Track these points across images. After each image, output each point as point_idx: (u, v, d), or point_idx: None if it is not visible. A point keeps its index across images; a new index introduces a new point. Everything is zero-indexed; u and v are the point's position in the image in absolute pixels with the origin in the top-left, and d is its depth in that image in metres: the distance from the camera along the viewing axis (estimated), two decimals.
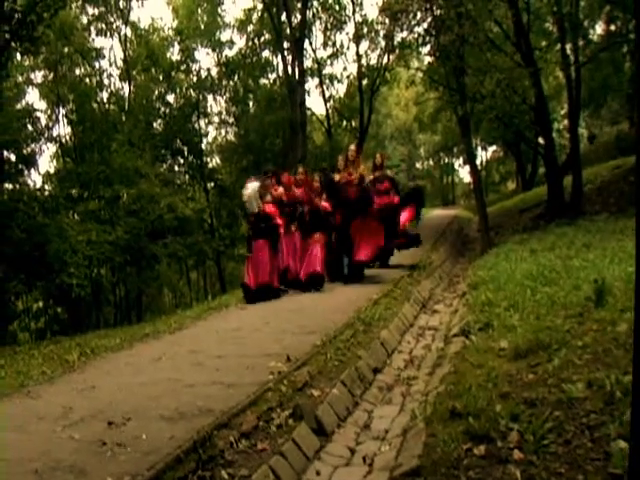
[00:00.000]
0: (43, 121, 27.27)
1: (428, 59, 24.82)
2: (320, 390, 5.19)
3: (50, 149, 32.25)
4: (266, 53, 31.98)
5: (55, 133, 28.33)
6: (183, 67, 30.93)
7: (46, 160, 39.24)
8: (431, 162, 58.80)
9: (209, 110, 33.11)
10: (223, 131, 34.80)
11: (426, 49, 20.24)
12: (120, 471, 3.54)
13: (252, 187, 11.03)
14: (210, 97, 32.60)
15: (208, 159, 33.06)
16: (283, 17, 27.06)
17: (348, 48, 31.63)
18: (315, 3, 29.07)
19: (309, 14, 28.04)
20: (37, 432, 4.34)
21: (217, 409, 4.45)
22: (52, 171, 28.06)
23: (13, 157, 21.80)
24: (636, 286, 2.39)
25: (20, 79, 28.76)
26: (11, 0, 17.07)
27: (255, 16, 31.08)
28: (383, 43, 26.18)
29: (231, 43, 32.46)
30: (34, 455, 3.86)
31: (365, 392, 5.75)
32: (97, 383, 5.58)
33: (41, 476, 3.57)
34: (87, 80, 29.74)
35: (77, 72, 29.62)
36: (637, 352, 2.38)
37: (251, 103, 32.43)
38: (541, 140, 20.21)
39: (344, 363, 5.97)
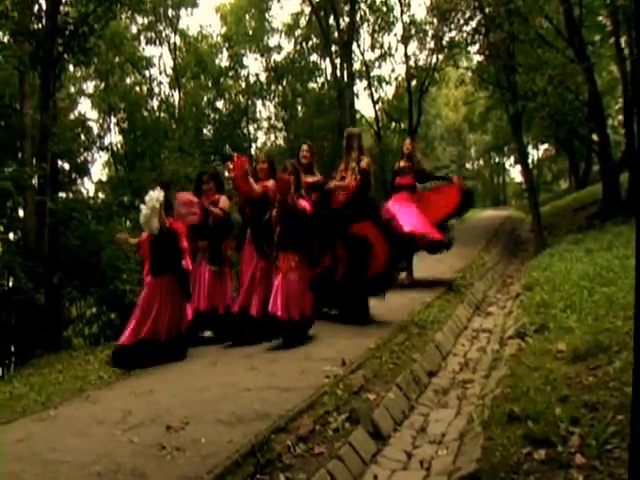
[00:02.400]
0: (95, 130, 27.88)
1: (477, 58, 24.64)
2: (376, 394, 5.18)
3: (102, 157, 32.90)
4: (314, 57, 32.15)
5: (107, 142, 28.92)
6: (232, 73, 31.28)
7: (98, 168, 39.90)
8: (481, 162, 58.18)
9: (258, 115, 33.44)
10: (272, 136, 35.08)
11: (475, 48, 20.10)
12: (180, 474, 3.58)
13: (154, 198, 7.27)
14: (259, 102, 32.93)
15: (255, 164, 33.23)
16: (331, 20, 27.12)
17: (396, 49, 31.61)
18: (363, 5, 29.04)
19: (357, 16, 28.01)
20: (97, 436, 4.42)
21: (274, 413, 4.48)
22: (104, 179, 28.60)
23: (67, 166, 22.29)
24: (636, 286, 2.40)
25: (72, 90, 29.44)
26: (64, 13, 17.47)
27: (303, 20, 31.23)
28: (432, 43, 26.07)
29: (279, 48, 32.77)
30: (95, 458, 3.93)
31: (420, 395, 5.72)
32: (154, 388, 5.66)
33: (103, 479, 3.64)
34: (137, 89, 30.32)
35: (128, 81, 30.23)
36: (637, 352, 2.39)
37: (300, 107, 32.59)
38: (595, 137, 19.82)
39: (399, 366, 5.95)
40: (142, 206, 7.41)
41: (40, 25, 17.56)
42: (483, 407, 4.72)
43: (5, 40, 18.36)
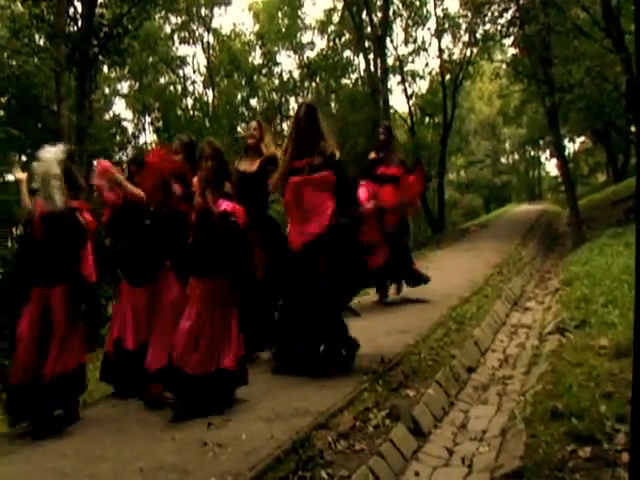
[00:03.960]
0: (130, 130, 28.21)
1: (512, 50, 24.34)
2: (415, 390, 5.16)
3: None
4: (347, 53, 32.07)
5: (141, 141, 29.22)
6: (265, 71, 31.36)
7: None
8: (516, 156, 57.55)
9: (291, 112, 33.39)
10: None
11: (510, 40, 19.86)
12: (222, 471, 3.59)
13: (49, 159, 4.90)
14: (292, 99, 32.95)
15: None
16: (364, 15, 27.03)
17: (430, 44, 31.37)
18: (396, 0, 28.90)
19: (390, 11, 27.86)
20: (138, 433, 4.46)
21: (314, 410, 4.48)
22: None
23: None
24: (636, 287, 2.40)
25: (107, 90, 29.83)
26: (99, 15, 17.69)
27: (335, 16, 31.18)
28: (465, 36, 25.88)
29: (312, 44, 32.75)
30: (137, 455, 3.98)
31: (460, 392, 5.69)
32: None
33: (145, 475, 3.67)
34: (171, 88, 30.61)
35: (162, 81, 30.53)
36: (637, 352, 2.39)
37: (333, 104, 32.54)
38: (634, 128, 19.47)
39: (438, 362, 5.92)
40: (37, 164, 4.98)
41: (76, 27, 17.81)
42: (525, 403, 4.68)
43: (42, 43, 18.65)
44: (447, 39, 29.65)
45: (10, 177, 14.37)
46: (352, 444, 4.11)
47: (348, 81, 32.92)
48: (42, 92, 18.86)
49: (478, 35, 21.27)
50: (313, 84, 31.89)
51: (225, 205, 4.98)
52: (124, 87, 32.03)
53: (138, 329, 5.53)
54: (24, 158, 19.50)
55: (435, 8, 29.44)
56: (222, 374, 4.80)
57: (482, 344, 7.16)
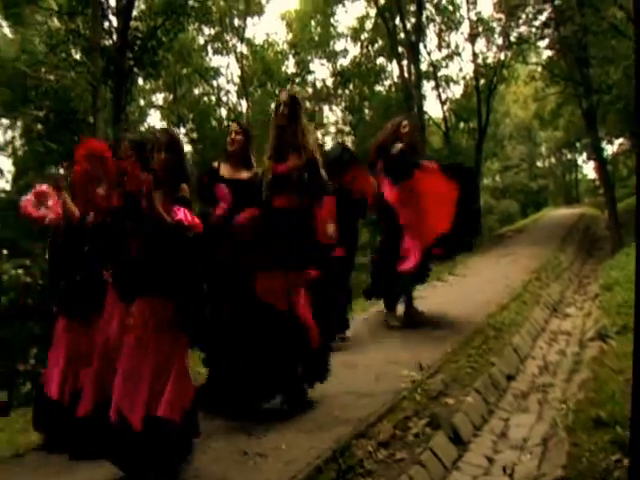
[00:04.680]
0: None
1: (547, 52, 24.14)
2: (454, 398, 5.13)
3: None
4: (380, 60, 32.01)
5: None
6: (298, 79, 31.41)
7: None
8: (553, 159, 56.87)
9: (325, 120, 33.51)
10: (340, 140, 35.04)
11: (545, 42, 19.72)
12: None
13: None
14: (326, 107, 33.02)
15: None
16: (397, 21, 26.99)
17: (463, 48, 31.16)
18: (428, 5, 28.79)
19: (423, 17, 27.77)
20: None
21: (353, 418, 4.48)
22: None
23: None
24: (636, 287, 2.46)
25: (142, 102, 30.16)
26: (134, 28, 17.94)
27: (368, 23, 31.16)
28: (499, 40, 25.72)
29: (345, 52, 32.73)
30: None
31: (500, 400, 5.64)
32: None
33: None
34: (205, 99, 30.81)
35: (196, 92, 30.73)
36: (637, 352, 2.41)
37: (367, 110, 32.51)
38: None
39: (477, 370, 5.87)
40: None
41: (111, 41, 18.05)
42: (567, 412, 4.62)
43: (78, 57, 18.96)
44: (481, 43, 29.31)
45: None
46: (392, 453, 4.09)
47: (381, 88, 32.85)
48: (79, 105, 19.16)
49: (512, 38, 21.13)
50: (346, 91, 31.89)
51: (181, 214, 3.91)
52: (159, 99, 32.41)
53: (68, 373, 4.73)
54: (62, 171, 19.83)
55: (468, 12, 29.22)
56: (155, 423, 3.73)
57: (521, 351, 7.09)
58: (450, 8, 29.53)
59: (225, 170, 5.49)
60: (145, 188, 3.83)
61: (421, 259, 7.24)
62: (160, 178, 4.00)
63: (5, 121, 23.86)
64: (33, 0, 17.08)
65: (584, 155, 48.63)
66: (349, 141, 33.86)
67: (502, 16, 20.32)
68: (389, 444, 4.20)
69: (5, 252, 14.75)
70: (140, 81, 24.75)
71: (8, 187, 21.69)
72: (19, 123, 22.89)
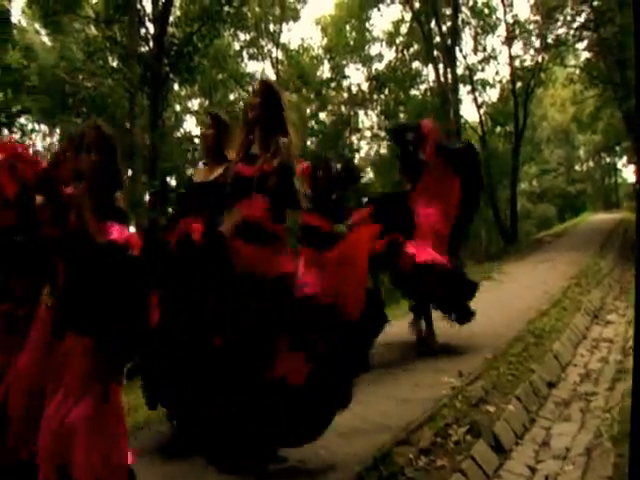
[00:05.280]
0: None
1: (586, 54, 23.87)
2: (495, 406, 5.05)
3: None
4: (416, 64, 31.93)
5: None
6: (333, 84, 31.45)
7: None
8: (591, 163, 56.12)
9: (360, 125, 33.49)
10: (375, 145, 35.04)
11: (584, 44, 19.49)
12: None
13: None
14: (361, 112, 32.97)
15: (361, 174, 33.30)
16: (432, 25, 26.91)
17: (500, 51, 30.96)
18: (464, 8, 28.62)
19: (459, 20, 27.63)
20: None
21: (394, 425, 4.44)
22: None
23: (174, 182, 23.15)
24: (636, 287, 2.43)
25: (178, 108, 30.43)
26: (170, 35, 18.12)
27: (404, 27, 31.12)
28: (537, 42, 25.48)
29: (380, 57, 32.75)
30: (213, 471, 3.99)
31: (541, 408, 5.54)
32: None
33: None
34: (241, 104, 30.92)
35: (231, 97, 30.89)
36: (637, 352, 2.38)
37: (402, 115, 32.41)
38: None
39: (517, 377, 5.78)
40: None
41: (147, 48, 18.24)
42: (612, 421, 4.53)
43: (115, 64, 19.21)
44: (518, 46, 29.04)
45: None
46: (433, 460, 4.04)
47: (417, 92, 32.77)
48: (116, 112, 19.39)
49: (550, 40, 20.89)
50: (382, 96, 31.83)
51: (116, 232, 3.22)
52: (194, 104, 32.67)
53: None
54: None
55: (505, 15, 28.97)
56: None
57: (562, 358, 6.97)
58: (486, 11, 29.34)
59: (199, 173, 4.83)
60: (75, 199, 3.18)
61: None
62: (89, 185, 3.28)
63: (44, 127, 24.25)
64: (71, 8, 17.36)
65: (624, 159, 47.94)
66: (384, 147, 33.79)
67: (539, 18, 20.13)
68: (430, 451, 4.14)
69: None
70: (176, 87, 25.00)
71: None
72: (57, 129, 23.23)
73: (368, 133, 33.84)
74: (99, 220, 3.23)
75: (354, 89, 31.86)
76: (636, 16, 2.61)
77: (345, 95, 31.73)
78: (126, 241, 3.20)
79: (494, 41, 42.24)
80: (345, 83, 32.00)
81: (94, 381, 3.11)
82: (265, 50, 31.17)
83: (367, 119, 34.23)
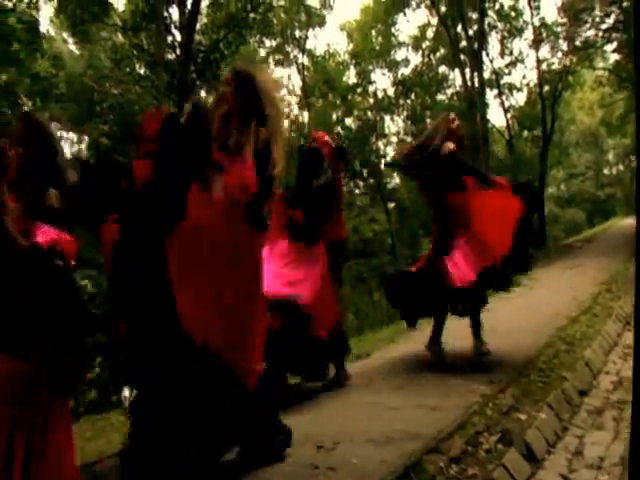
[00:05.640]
0: None
1: (615, 57, 23.58)
2: (526, 414, 4.98)
3: None
4: (442, 68, 31.86)
5: None
6: (360, 89, 31.46)
7: None
8: (621, 167, 55.48)
9: (387, 130, 33.44)
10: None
11: (612, 46, 19.27)
12: None
13: None
14: (387, 117, 32.95)
15: (387, 179, 33.29)
16: (458, 29, 26.82)
17: (527, 55, 30.80)
18: (490, 12, 28.47)
19: (485, 24, 27.50)
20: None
21: (424, 433, 4.38)
22: None
23: None
24: (636, 288, 2.41)
25: None
26: (197, 42, 18.24)
27: (430, 32, 31.08)
28: (564, 45, 25.28)
29: (406, 61, 32.70)
30: (246, 476, 3.98)
31: (573, 416, 5.45)
32: (298, 407, 5.68)
33: None
34: None
35: None
36: (637, 353, 2.38)
37: (429, 120, 32.32)
38: None
39: (548, 385, 5.70)
40: None
41: (174, 55, 18.36)
42: None
43: (142, 72, 19.36)
44: (545, 49, 28.83)
45: None
46: (464, 469, 3.98)
47: (444, 97, 32.66)
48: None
49: (578, 43, 20.68)
50: (408, 101, 31.78)
51: (43, 234, 2.83)
52: None
53: None
54: None
55: (531, 18, 28.76)
56: None
57: (594, 366, 6.86)
58: (512, 14, 29.18)
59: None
60: None
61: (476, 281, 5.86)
62: (16, 181, 2.88)
63: (72, 135, 24.48)
64: (99, 17, 17.55)
65: None
66: None
67: (567, 21, 19.95)
68: (461, 460, 4.08)
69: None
70: (202, 94, 25.16)
71: None
72: (86, 137, 23.44)
73: (394, 138, 33.79)
74: (28, 220, 2.85)
75: (380, 94, 31.89)
76: (636, 16, 2.58)
77: (371, 100, 31.72)
78: (53, 245, 2.74)
79: (521, 44, 41.97)
80: (371, 88, 32.04)
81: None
82: (291, 56, 31.34)
83: (393, 124, 34.25)
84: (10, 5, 14.57)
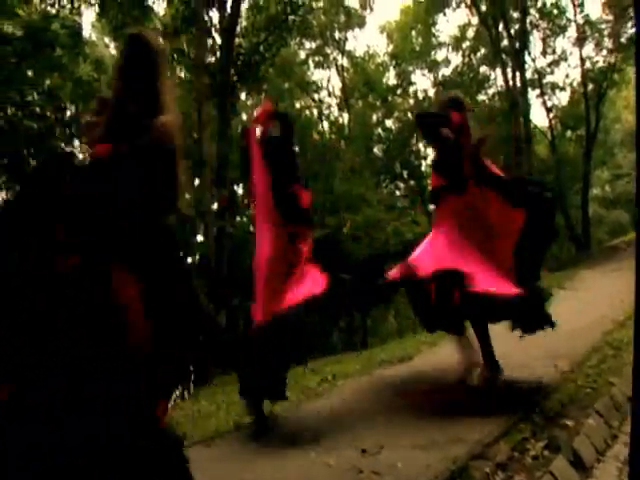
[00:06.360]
0: None
1: None
2: (574, 420, 4.86)
3: None
4: (483, 68, 31.55)
5: None
6: (400, 91, 31.35)
7: None
8: None
9: None
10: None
11: None
12: None
13: None
14: None
15: (428, 181, 33.04)
16: (500, 28, 26.54)
17: (570, 53, 30.24)
18: (532, 10, 28.09)
19: (527, 22, 27.14)
20: (292, 458, 4.45)
21: (469, 438, 4.31)
22: None
23: (240, 191, 23.45)
24: (636, 289, 2.43)
25: (245, 117, 30.82)
26: (237, 45, 18.36)
27: (470, 31, 30.84)
28: (609, 43, 24.81)
29: (447, 62, 32.49)
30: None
31: (623, 423, 5.31)
32: (341, 410, 5.66)
33: None
34: (307, 112, 31.12)
35: (297, 105, 31.10)
36: (637, 353, 2.37)
37: (471, 123, 32.04)
38: None
39: (596, 391, 5.56)
40: None
41: (214, 58, 18.49)
42: None
43: (183, 75, 19.54)
44: (589, 47, 28.32)
45: None
46: (511, 476, 3.89)
47: (484, 97, 32.35)
48: (185, 122, 19.71)
49: (623, 40, 20.25)
50: None
51: None
52: None
53: None
54: None
55: (575, 15, 28.29)
56: None
57: None
58: (555, 12, 28.69)
59: None
60: None
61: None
62: None
63: None
64: (140, 21, 17.74)
65: None
66: None
67: (612, 17, 19.58)
68: (507, 466, 4.00)
69: None
70: (242, 96, 25.31)
71: None
72: None
73: None
74: None
75: (420, 95, 31.71)
76: (637, 16, 2.52)
77: (411, 101, 31.58)
78: None
79: (564, 43, 41.18)
80: (411, 89, 31.88)
81: None
82: (331, 58, 31.33)
83: None
84: (53, 11, 14.83)
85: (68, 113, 16.76)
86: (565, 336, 7.62)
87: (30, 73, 13.34)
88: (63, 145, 15.28)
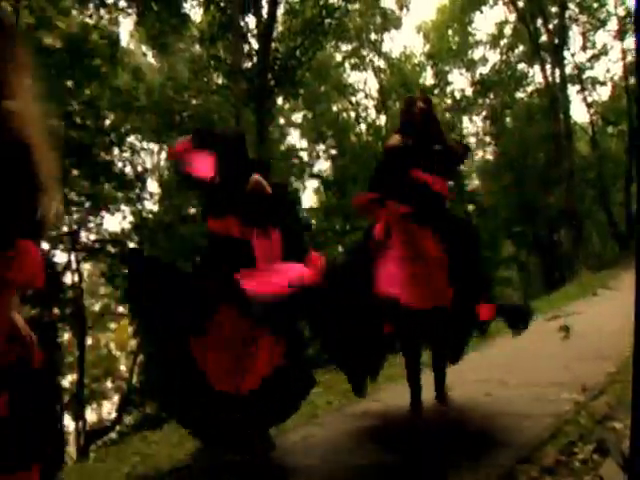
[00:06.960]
0: (305, 158, 29.06)
1: None
2: (622, 423, 4.76)
3: (312, 184, 33.49)
4: (521, 65, 31.19)
5: (316, 169, 29.96)
6: (437, 90, 31.16)
7: (309, 195, 39.69)
8: None
9: (465, 131, 32.98)
10: (480, 151, 34.43)
11: None
12: None
13: None
14: (465, 118, 32.51)
15: (467, 181, 32.81)
16: (538, 24, 26.23)
17: (611, 47, 29.70)
18: (571, 5, 27.68)
19: (566, 17, 26.76)
20: (335, 461, 4.43)
21: (515, 442, 4.25)
22: (315, 206, 29.49)
23: None
24: (636, 289, 2.45)
25: (282, 121, 30.90)
26: (274, 50, 18.43)
27: (508, 29, 30.54)
28: None
29: (484, 60, 32.21)
30: None
31: None
32: (380, 413, 5.61)
33: None
34: (344, 115, 31.09)
35: (334, 108, 31.10)
36: (637, 353, 2.36)
37: (508, 119, 31.72)
38: None
39: None
40: None
41: (251, 63, 18.56)
42: None
43: (220, 81, 19.66)
44: (630, 40, 27.74)
45: None
46: None
47: (523, 94, 31.97)
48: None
49: None
50: (486, 100, 31.27)
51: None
52: (297, 117, 33.09)
53: None
54: None
55: (615, 8, 27.75)
56: None
57: None
58: (595, 5, 28.21)
59: None
60: None
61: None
62: None
63: (153, 146, 25.09)
64: (177, 29, 17.93)
65: None
66: (489, 152, 33.07)
67: None
68: (554, 470, 3.93)
69: None
70: (279, 101, 25.39)
71: (156, 209, 22.72)
72: (165, 147, 23.98)
73: (473, 139, 33.29)
74: None
75: (458, 95, 31.49)
76: (637, 16, 2.50)
77: (449, 101, 31.37)
78: None
79: (605, 36, 40.44)
80: (449, 89, 31.68)
81: None
82: (367, 60, 31.25)
83: (472, 125, 33.78)
84: (92, 22, 15.07)
85: (107, 122, 17.00)
86: (610, 336, 7.50)
87: (70, 83, 13.56)
88: (103, 154, 15.50)
